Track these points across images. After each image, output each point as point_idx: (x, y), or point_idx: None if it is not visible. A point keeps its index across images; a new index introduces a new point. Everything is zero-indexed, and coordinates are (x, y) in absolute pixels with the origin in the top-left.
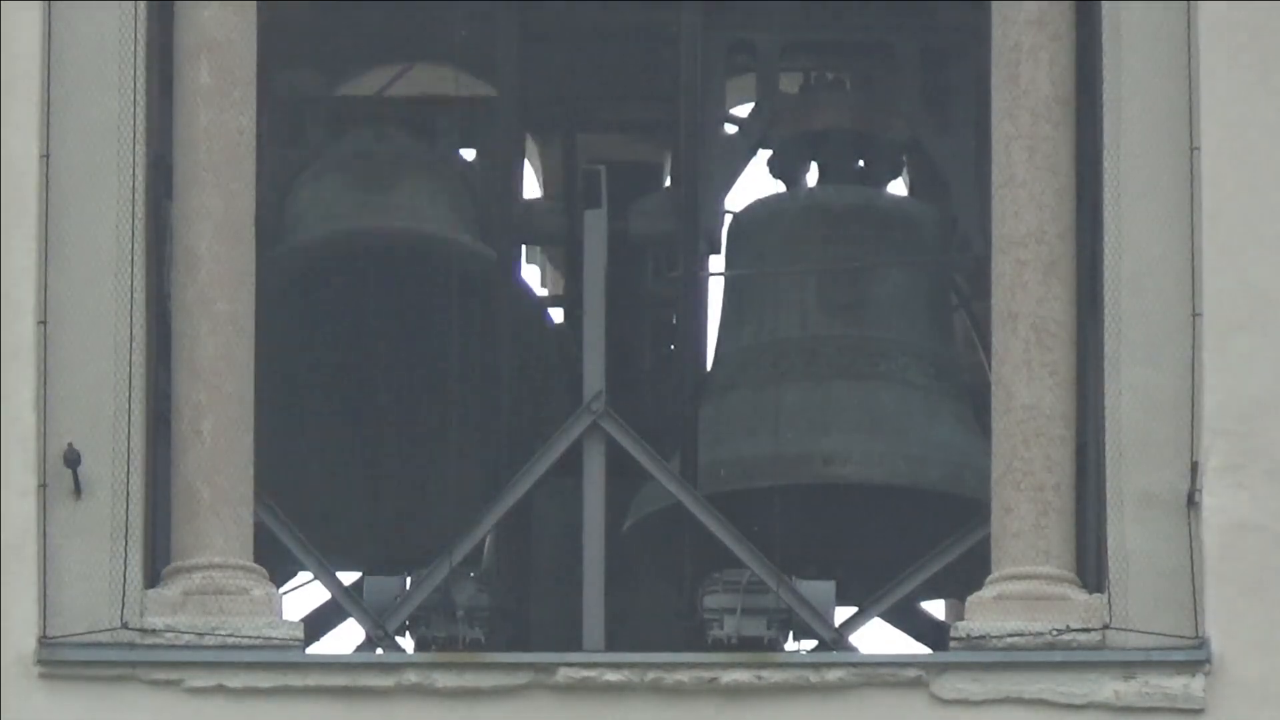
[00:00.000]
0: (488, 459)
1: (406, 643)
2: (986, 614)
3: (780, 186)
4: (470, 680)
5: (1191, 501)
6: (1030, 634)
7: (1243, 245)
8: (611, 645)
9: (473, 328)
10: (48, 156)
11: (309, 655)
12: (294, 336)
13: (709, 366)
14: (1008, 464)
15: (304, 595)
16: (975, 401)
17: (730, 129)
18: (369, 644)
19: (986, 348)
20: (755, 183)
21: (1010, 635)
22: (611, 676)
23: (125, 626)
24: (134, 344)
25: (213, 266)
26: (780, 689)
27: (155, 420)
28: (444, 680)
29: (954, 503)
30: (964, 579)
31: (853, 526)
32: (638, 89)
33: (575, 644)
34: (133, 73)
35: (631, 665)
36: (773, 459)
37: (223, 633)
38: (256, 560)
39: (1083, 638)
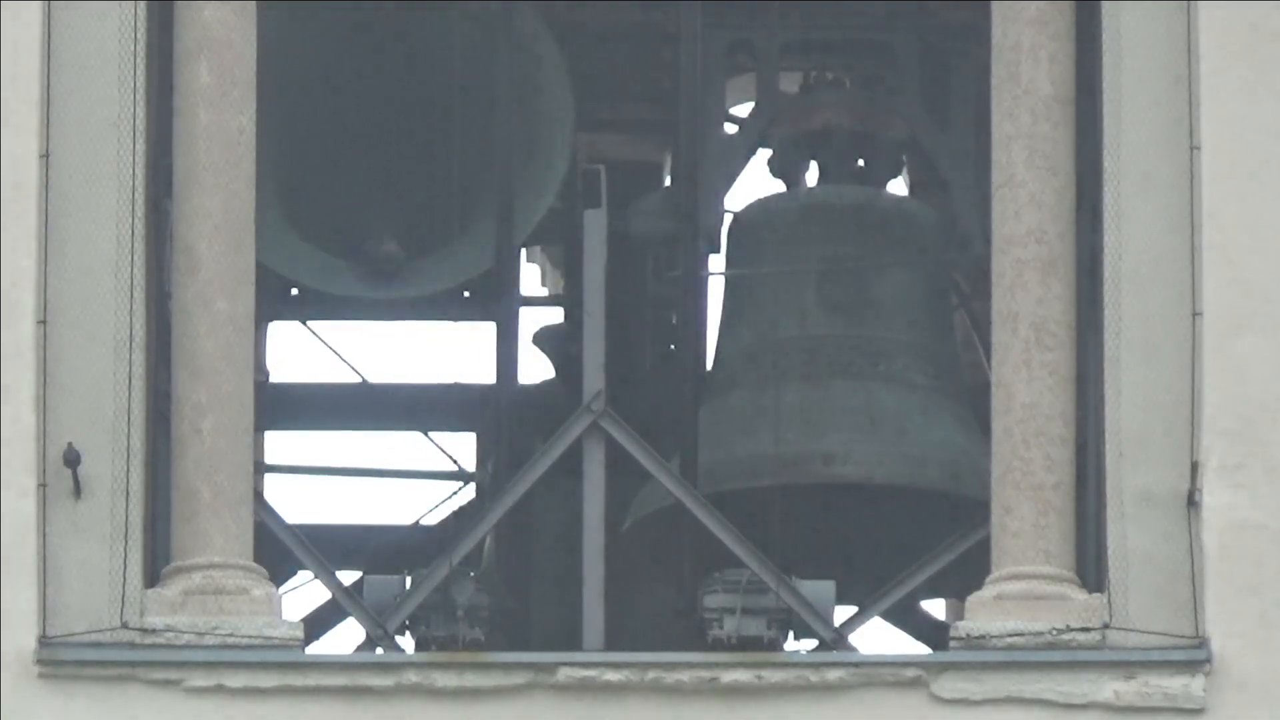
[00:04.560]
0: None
1: (406, 643)
2: (986, 614)
3: (780, 186)
4: (470, 680)
5: (1191, 501)
6: (1030, 634)
7: (1243, 245)
8: (611, 645)
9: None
10: (48, 156)
11: (309, 655)
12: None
13: (709, 366)
14: (1008, 464)
15: (304, 595)
16: (975, 401)
17: (730, 129)
18: (369, 644)
19: (986, 348)
20: (755, 182)
21: (1010, 635)
22: (611, 676)
23: (125, 626)
24: (134, 344)
25: (213, 266)
26: (780, 689)
27: (155, 420)
28: (444, 680)
29: (954, 503)
30: (964, 579)
31: (853, 526)
32: (638, 89)
33: (575, 644)
34: (133, 73)
35: (631, 665)
36: (773, 459)
37: (223, 632)
38: (256, 560)
39: (1082, 637)
